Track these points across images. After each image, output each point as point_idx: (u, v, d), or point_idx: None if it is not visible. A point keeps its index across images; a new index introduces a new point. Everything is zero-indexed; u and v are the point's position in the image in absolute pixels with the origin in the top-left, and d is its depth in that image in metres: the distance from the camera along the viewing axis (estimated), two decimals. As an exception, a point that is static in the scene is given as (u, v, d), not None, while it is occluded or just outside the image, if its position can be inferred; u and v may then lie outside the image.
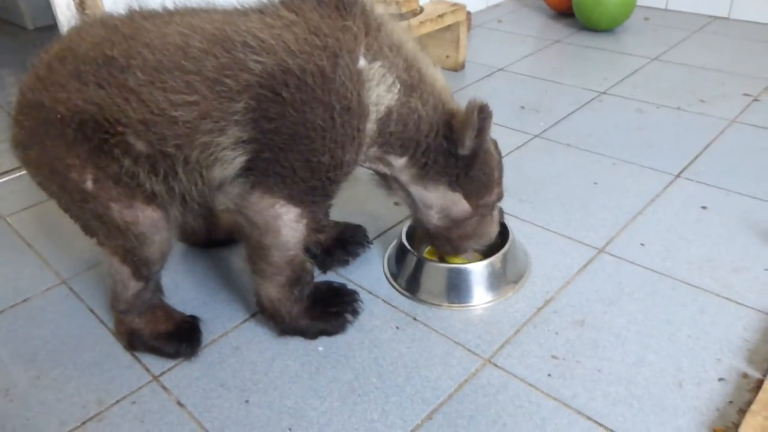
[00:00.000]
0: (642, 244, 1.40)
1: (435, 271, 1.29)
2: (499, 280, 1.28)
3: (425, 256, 1.33)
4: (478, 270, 1.27)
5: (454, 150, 1.09)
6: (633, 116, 2.00)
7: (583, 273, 1.33)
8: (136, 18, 1.04)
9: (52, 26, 3.47)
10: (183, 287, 1.38)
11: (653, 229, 1.45)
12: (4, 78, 2.87)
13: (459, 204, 1.16)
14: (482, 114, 1.03)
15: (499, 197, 1.20)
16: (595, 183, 1.65)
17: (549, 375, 1.09)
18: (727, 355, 1.11)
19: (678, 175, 1.65)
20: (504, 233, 1.33)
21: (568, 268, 1.34)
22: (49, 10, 3.39)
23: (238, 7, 1.08)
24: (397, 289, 1.32)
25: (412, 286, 1.31)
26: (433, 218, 1.20)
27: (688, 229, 1.44)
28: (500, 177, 1.19)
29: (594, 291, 1.27)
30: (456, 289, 1.27)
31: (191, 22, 1.01)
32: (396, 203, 1.23)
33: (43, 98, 1.00)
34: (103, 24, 1.03)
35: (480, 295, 1.26)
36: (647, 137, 1.86)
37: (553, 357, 1.13)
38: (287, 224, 1.08)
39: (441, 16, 2.30)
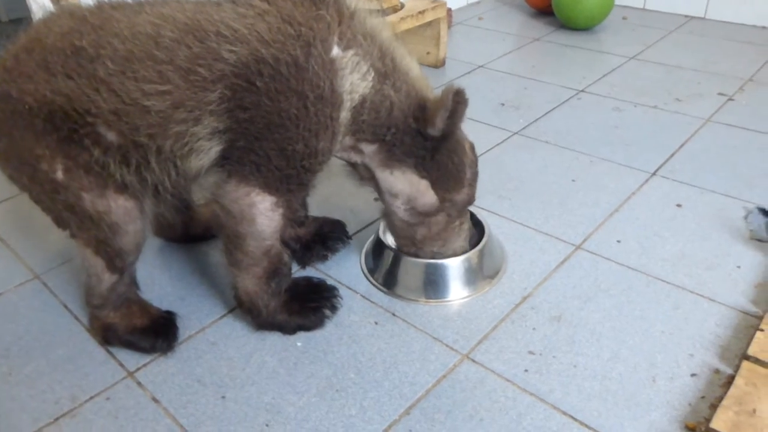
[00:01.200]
0: (618, 241, 1.41)
1: (412, 267, 1.29)
2: (475, 276, 1.29)
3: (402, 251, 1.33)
4: (454, 265, 1.27)
5: (423, 129, 1.08)
6: (610, 114, 2.02)
7: (561, 269, 1.34)
8: (105, 8, 1.02)
9: (27, 18, 3.42)
10: (159, 282, 1.37)
11: (629, 226, 1.47)
12: (-24, 69, 2.82)
13: (425, 194, 1.15)
14: (457, 97, 1.03)
15: (470, 200, 1.20)
16: (573, 180, 1.66)
17: (526, 370, 1.10)
18: (699, 351, 1.13)
19: (654, 173, 1.67)
20: (480, 229, 1.34)
21: (546, 265, 1.35)
22: (23, 3, 3.34)
23: None
24: (374, 285, 1.32)
25: (389, 281, 1.31)
26: (399, 209, 1.19)
27: (663, 226, 1.46)
28: (473, 179, 1.19)
29: (571, 287, 1.29)
30: (433, 284, 1.27)
31: (162, 12, 1.00)
32: (376, 199, 1.23)
33: (10, 89, 0.99)
34: (71, 15, 1.02)
35: (457, 291, 1.27)
36: (624, 135, 1.88)
37: (530, 352, 1.14)
38: (262, 213, 1.08)
39: (421, 12, 2.29)
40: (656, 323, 1.19)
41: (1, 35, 3.30)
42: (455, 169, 1.14)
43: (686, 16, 2.92)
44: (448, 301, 1.26)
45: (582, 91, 2.20)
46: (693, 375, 1.08)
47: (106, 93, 0.96)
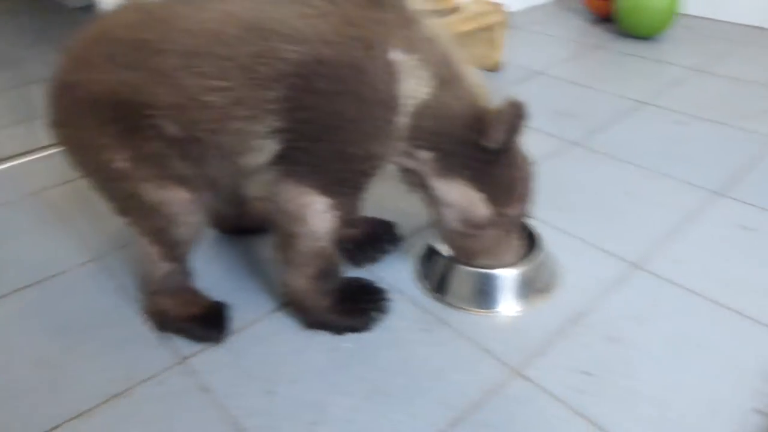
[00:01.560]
0: (678, 261, 1.37)
1: (463, 275, 1.27)
2: (528, 289, 1.26)
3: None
4: (507, 276, 1.25)
5: (481, 141, 1.06)
6: (672, 128, 1.96)
7: (617, 287, 1.31)
8: (172, 3, 1.04)
9: (92, 6, 3.51)
10: (213, 273, 1.39)
11: (690, 246, 1.42)
12: (45, 54, 2.90)
13: (479, 206, 1.13)
14: (517, 110, 1.01)
15: (524, 214, 1.18)
16: (632, 195, 1.62)
17: (579, 391, 1.08)
18: (764, 386, 1.08)
19: (717, 192, 1.62)
20: (535, 241, 1.32)
21: (602, 281, 1.32)
22: (91, -13, 3.42)
23: None
24: (425, 290, 1.31)
25: (439, 287, 1.30)
26: (452, 220, 1.17)
27: (726, 249, 1.41)
28: (528, 193, 1.16)
29: (627, 307, 1.25)
30: (483, 294, 1.25)
31: (227, 9, 1.01)
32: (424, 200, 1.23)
33: (78, 79, 1.01)
34: (139, 8, 1.04)
35: (507, 303, 1.25)
36: (686, 151, 1.82)
37: (584, 372, 1.11)
38: (316, 213, 1.08)
39: (480, 15, 2.27)
40: (719, 352, 1.15)
41: (68, 22, 3.40)
42: (511, 182, 1.12)
43: (756, 28, 2.82)
44: (498, 312, 1.25)
45: (642, 102, 2.15)
46: (757, 412, 1.04)
47: (168, 87, 0.98)
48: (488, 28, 2.36)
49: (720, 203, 1.58)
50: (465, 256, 1.24)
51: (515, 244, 1.25)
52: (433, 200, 1.18)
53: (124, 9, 1.06)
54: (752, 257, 1.38)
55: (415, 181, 1.18)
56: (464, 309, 1.26)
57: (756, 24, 2.83)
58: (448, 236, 1.22)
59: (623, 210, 1.56)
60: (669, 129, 1.96)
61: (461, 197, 1.13)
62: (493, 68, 2.44)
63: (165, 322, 1.21)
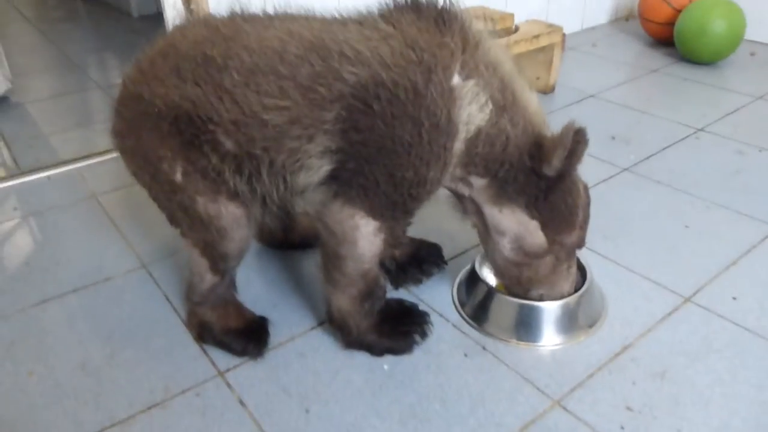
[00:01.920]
0: (734, 298, 1.31)
1: (505, 305, 1.24)
2: (571, 323, 1.22)
3: (496, 288, 1.28)
4: (550, 309, 1.21)
5: (538, 168, 1.04)
6: (732, 158, 1.89)
7: (667, 321, 1.26)
8: (237, 20, 1.06)
9: (156, 15, 3.63)
10: (255, 286, 1.40)
11: (748, 282, 1.36)
12: (107, 61, 3.01)
13: (534, 234, 1.10)
14: (577, 136, 0.98)
15: (580, 243, 1.14)
16: (686, 226, 1.56)
17: (622, 427, 1.04)
18: (821, 433, 1.02)
19: (778, 228, 1.55)
20: (582, 273, 1.28)
21: (651, 315, 1.28)
22: (152, 0, 3.56)
23: (337, 16, 1.08)
24: (463, 317, 1.28)
25: (479, 316, 1.26)
26: (505, 248, 1.14)
27: (786, 287, 1.35)
28: (585, 221, 1.13)
29: (677, 342, 1.20)
30: (525, 326, 1.22)
31: (290, 28, 1.02)
32: (474, 225, 1.20)
33: (143, 91, 1.04)
34: (206, 24, 1.06)
35: (550, 336, 1.21)
36: (746, 182, 1.75)
37: (628, 408, 1.07)
38: (365, 236, 1.07)
39: (536, 36, 2.25)
40: (773, 396, 1.09)
41: (132, 30, 3.52)
42: (568, 210, 1.09)
43: (824, 58, 2.70)
44: (540, 345, 1.21)
45: (701, 130, 2.08)
46: (813, 461, 0.98)
47: (228, 103, 0.99)
48: (544, 50, 2.34)
49: (781, 239, 1.51)
50: (519, 286, 1.20)
51: (572, 273, 1.21)
52: (486, 228, 1.15)
53: (193, 24, 1.09)
54: (814, 298, 1.31)
55: (469, 208, 1.16)
56: (503, 340, 1.22)
57: (825, 52, 2.72)
58: (502, 266, 1.19)
59: (676, 241, 1.51)
60: (728, 158, 1.89)
61: (516, 224, 1.11)
62: (545, 90, 2.40)
63: (206, 333, 1.23)
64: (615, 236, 1.53)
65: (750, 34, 2.81)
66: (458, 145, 1.02)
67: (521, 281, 1.19)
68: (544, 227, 1.09)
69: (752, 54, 2.76)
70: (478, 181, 1.09)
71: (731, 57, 2.67)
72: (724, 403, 1.08)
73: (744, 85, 2.44)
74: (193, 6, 1.87)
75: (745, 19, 2.53)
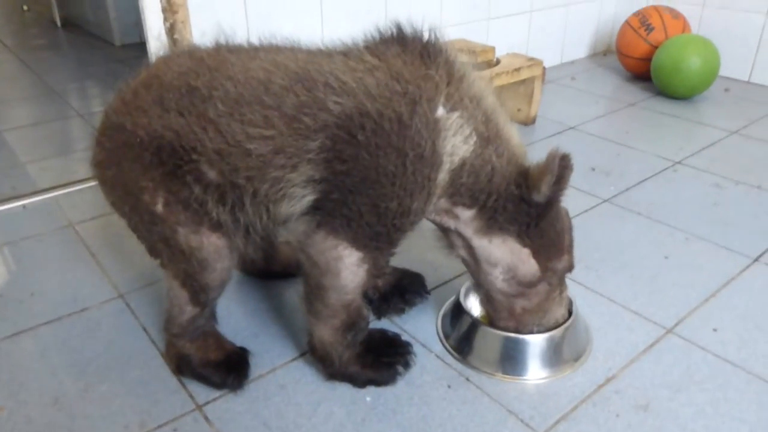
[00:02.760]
0: (714, 329, 1.32)
1: (490, 337, 1.22)
2: (557, 357, 1.21)
3: (481, 320, 1.27)
4: (536, 342, 1.20)
5: (527, 196, 1.04)
6: (709, 190, 1.92)
7: (649, 353, 1.26)
8: (222, 51, 1.06)
9: (138, 44, 3.64)
10: (235, 316, 1.37)
11: (727, 314, 1.37)
12: (88, 89, 3.00)
13: (527, 262, 1.10)
14: (563, 162, 0.99)
15: (570, 267, 1.15)
16: (666, 257, 1.58)
17: (607, 461, 1.03)
18: (805, 466, 1.02)
19: (756, 259, 1.57)
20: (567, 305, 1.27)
21: (633, 346, 1.28)
22: (136, 29, 3.59)
23: (323, 48, 1.09)
24: (448, 350, 1.27)
25: (464, 348, 1.25)
26: (497, 280, 1.14)
27: (765, 318, 1.35)
28: (571, 245, 1.14)
29: (660, 374, 1.20)
30: (511, 359, 1.20)
31: (275, 59, 1.02)
32: (464, 260, 1.20)
33: (125, 121, 1.03)
34: (190, 55, 1.07)
35: (535, 370, 1.20)
36: (724, 214, 1.78)
37: (613, 441, 1.06)
38: (348, 267, 1.06)
39: (517, 69, 2.29)
40: (757, 428, 1.08)
41: (114, 58, 3.52)
42: (556, 235, 1.10)
43: (795, 94, 2.78)
44: (525, 379, 1.19)
45: (679, 162, 2.12)
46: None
47: (212, 133, 0.99)
48: (525, 82, 2.38)
49: (759, 270, 1.52)
50: (513, 319, 1.19)
51: (564, 298, 1.21)
52: (476, 261, 1.15)
53: (177, 55, 1.09)
54: (793, 329, 1.33)
55: (456, 242, 1.16)
56: (487, 373, 1.21)
57: (795, 88, 2.80)
58: (496, 299, 1.18)
59: (657, 272, 1.52)
60: (706, 191, 1.92)
61: (507, 254, 1.10)
62: (526, 122, 2.44)
63: (184, 366, 1.20)
64: (597, 266, 1.54)
65: (724, 70, 2.89)
66: (442, 176, 1.02)
67: (515, 313, 1.17)
68: (536, 254, 1.10)
69: (726, 90, 2.83)
70: (465, 213, 1.09)
71: (706, 92, 2.74)
72: (708, 435, 1.08)
73: (719, 120, 2.49)
74: (176, 36, 1.87)
75: (719, 56, 2.60)
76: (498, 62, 2.35)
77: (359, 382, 1.18)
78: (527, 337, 1.20)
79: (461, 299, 1.31)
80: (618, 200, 1.86)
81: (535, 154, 1.04)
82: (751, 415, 1.11)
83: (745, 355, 1.25)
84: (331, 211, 1.03)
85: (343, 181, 0.99)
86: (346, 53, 1.05)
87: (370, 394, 1.16)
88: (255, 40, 1.12)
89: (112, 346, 1.28)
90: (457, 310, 1.30)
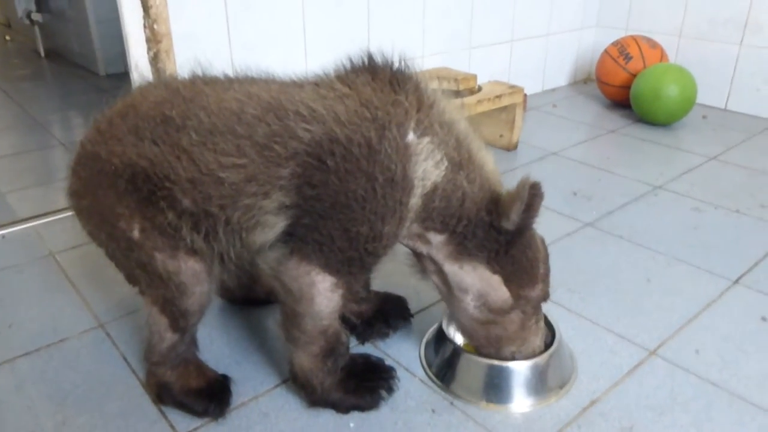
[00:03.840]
0: (697, 351, 1.32)
1: (474, 365, 1.21)
2: (542, 384, 1.19)
3: (464, 347, 1.25)
4: (520, 370, 1.19)
5: (497, 223, 1.05)
6: (689, 214, 1.95)
7: (633, 375, 1.26)
8: (198, 82, 1.08)
9: (123, 74, 3.66)
10: (217, 344, 1.36)
11: (709, 336, 1.38)
12: (71, 119, 3.00)
13: (498, 290, 1.10)
14: (533, 190, 0.99)
15: (544, 296, 1.14)
16: (648, 280, 1.59)
17: (592, 485, 1.02)
18: (790, 487, 1.02)
19: (736, 281, 1.58)
20: (551, 332, 1.27)
21: (617, 368, 1.28)
22: (120, 59, 3.60)
23: (296, 78, 1.10)
24: (431, 378, 1.25)
25: (447, 376, 1.23)
26: (470, 306, 1.13)
27: (746, 340, 1.36)
28: (546, 274, 1.14)
29: (644, 396, 1.20)
30: (495, 387, 1.18)
31: (249, 90, 1.04)
32: (436, 286, 1.19)
33: (100, 150, 1.04)
34: (166, 86, 1.08)
35: (520, 398, 1.18)
36: (704, 238, 1.80)
37: (598, 465, 1.06)
38: (322, 293, 1.06)
39: (498, 96, 2.32)
40: (740, 449, 1.09)
41: (98, 88, 3.52)
42: (529, 264, 1.09)
43: (771, 120, 2.84)
44: (509, 408, 1.18)
45: (659, 187, 2.15)
46: None
47: (186, 162, 1.00)
48: (506, 109, 2.41)
49: (739, 293, 1.54)
50: (489, 346, 1.18)
51: (541, 327, 1.19)
52: (448, 287, 1.14)
53: (153, 86, 1.10)
54: (775, 350, 1.33)
55: (428, 267, 1.16)
56: (471, 402, 1.19)
57: (770, 114, 2.87)
58: (468, 326, 1.17)
59: (639, 295, 1.53)
60: (686, 215, 1.94)
61: (479, 280, 1.10)
62: (508, 147, 2.46)
63: (165, 394, 1.18)
64: (579, 289, 1.54)
65: (701, 98, 2.96)
66: (414, 200, 1.02)
67: (491, 341, 1.17)
68: (508, 282, 1.09)
69: (704, 117, 2.88)
70: (436, 238, 1.09)
71: (685, 119, 2.79)
72: (693, 457, 1.07)
73: (698, 146, 2.54)
74: (160, 65, 1.88)
75: (696, 85, 2.66)
76: (480, 89, 2.38)
77: (342, 408, 1.16)
78: (511, 365, 1.18)
79: (444, 327, 1.29)
80: (600, 224, 1.88)
81: (517, 180, 1.05)
82: (734, 436, 1.11)
83: (727, 376, 1.26)
84: (303, 236, 1.03)
85: (314, 206, 1.00)
86: (318, 83, 1.07)
87: (353, 419, 1.15)
88: (239, 71, 1.13)
89: (91, 377, 1.26)
90: (440, 338, 1.29)
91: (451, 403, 1.19)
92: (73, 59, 4.11)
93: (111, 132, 1.04)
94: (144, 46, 1.88)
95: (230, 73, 1.13)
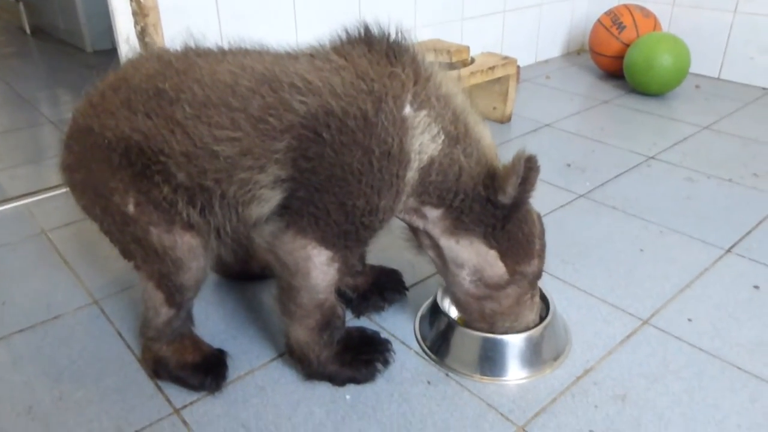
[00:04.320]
0: (689, 320, 1.34)
1: (468, 339, 1.21)
2: (536, 356, 1.20)
3: (458, 321, 1.25)
4: (515, 343, 1.19)
5: (493, 197, 1.04)
6: (682, 184, 1.95)
7: (626, 344, 1.27)
8: (191, 55, 1.06)
9: (110, 50, 3.60)
10: (213, 319, 1.36)
11: (701, 304, 1.39)
12: (59, 96, 2.96)
13: (494, 265, 1.09)
14: (529, 163, 0.99)
15: (540, 272, 1.14)
16: (641, 250, 1.59)
17: (586, 451, 1.03)
18: (779, 450, 1.04)
19: (728, 250, 1.59)
20: (545, 303, 1.27)
21: (611, 338, 1.29)
22: (107, 35, 3.54)
23: (291, 50, 1.08)
24: (425, 351, 1.25)
25: (442, 350, 1.24)
26: (465, 281, 1.13)
27: (738, 308, 1.38)
28: (542, 250, 1.13)
29: (637, 365, 1.21)
30: (489, 360, 1.19)
31: (242, 62, 1.02)
32: (432, 260, 1.19)
33: (93, 124, 1.03)
34: (159, 58, 1.06)
35: (515, 371, 1.19)
36: (697, 207, 1.80)
37: (591, 432, 1.07)
38: (317, 267, 1.06)
39: (491, 68, 2.30)
40: (731, 415, 1.10)
41: (85, 65, 3.47)
42: (525, 239, 1.09)
43: (763, 89, 2.83)
44: (504, 380, 1.18)
45: (652, 158, 2.14)
46: (773, 477, 0.99)
47: (180, 135, 0.98)
48: (500, 81, 2.39)
49: (731, 261, 1.55)
50: (483, 321, 1.18)
51: (536, 303, 1.20)
52: (444, 262, 1.14)
53: (145, 59, 1.08)
54: (765, 317, 1.35)
55: (424, 242, 1.16)
56: (466, 375, 1.19)
57: (764, 85, 2.85)
58: (463, 300, 1.17)
59: (632, 265, 1.53)
60: (678, 185, 1.95)
61: (475, 255, 1.09)
62: (502, 120, 2.45)
63: (161, 369, 1.18)
64: (573, 260, 1.55)
65: (694, 67, 2.94)
66: (411, 174, 1.02)
67: (485, 315, 1.17)
68: (504, 257, 1.09)
69: (697, 87, 2.87)
70: (433, 212, 1.08)
71: (678, 89, 2.78)
72: (683, 423, 1.09)
73: (691, 115, 2.53)
74: (147, 39, 1.85)
75: (689, 54, 2.64)
76: (473, 61, 2.36)
77: (338, 381, 1.17)
78: (506, 338, 1.19)
79: (438, 300, 1.30)
80: (593, 195, 1.88)
81: (511, 152, 1.04)
82: (725, 402, 1.13)
83: (719, 344, 1.27)
84: (299, 210, 1.02)
85: (309, 180, 0.99)
86: (313, 54, 1.05)
87: (349, 392, 1.16)
88: (227, 44, 1.11)
89: (87, 353, 1.26)
90: (435, 312, 1.30)
91: (447, 375, 1.20)
92: (60, 36, 4.05)
93: (103, 105, 1.03)
94: (131, 21, 1.85)
95: (223, 46, 1.11)
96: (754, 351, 1.25)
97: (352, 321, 1.34)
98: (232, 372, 1.20)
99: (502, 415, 1.11)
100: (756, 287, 1.45)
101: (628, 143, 2.26)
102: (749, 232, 1.67)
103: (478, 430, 1.07)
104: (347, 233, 1.04)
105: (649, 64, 2.62)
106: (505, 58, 2.38)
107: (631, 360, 1.23)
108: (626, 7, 2.88)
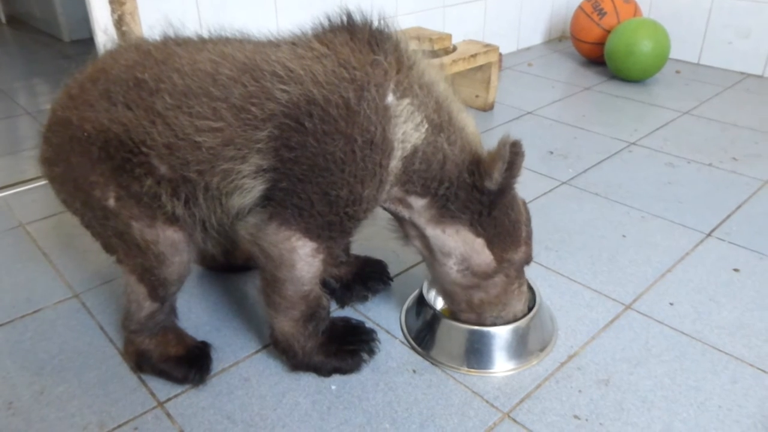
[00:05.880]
0: (671, 304, 1.35)
1: (454, 331, 1.21)
2: (522, 347, 1.20)
3: (443, 313, 1.24)
4: (501, 335, 1.19)
5: (479, 184, 1.03)
6: (663, 169, 1.96)
7: (609, 329, 1.28)
8: (170, 44, 1.04)
9: (87, 40, 3.54)
10: (196, 311, 1.35)
11: (683, 288, 1.40)
12: (36, 87, 2.90)
13: (481, 253, 1.09)
14: (514, 148, 0.98)
15: (528, 259, 1.14)
16: (624, 236, 1.61)
17: (570, 436, 1.04)
18: (760, 431, 1.05)
19: (709, 234, 1.61)
20: (531, 294, 1.27)
21: (594, 323, 1.30)
22: (84, 24, 3.49)
23: (271, 38, 1.07)
24: (411, 344, 1.25)
25: (428, 343, 1.23)
26: (452, 270, 1.12)
27: (719, 291, 1.39)
28: (529, 237, 1.13)
29: (620, 349, 1.23)
30: (476, 353, 1.18)
31: (223, 51, 1.01)
32: (419, 251, 1.19)
33: (71, 116, 1.01)
34: (137, 48, 1.04)
35: (501, 362, 1.19)
36: (677, 192, 1.82)
37: (575, 417, 1.08)
38: (302, 258, 1.05)
39: (473, 56, 2.29)
40: (712, 396, 1.12)
41: (62, 55, 3.41)
42: (512, 226, 1.09)
43: (742, 74, 2.86)
44: (491, 372, 1.18)
45: (633, 143, 2.16)
46: (753, 457, 1.01)
47: (161, 126, 0.97)
48: (482, 69, 2.39)
49: (712, 245, 1.56)
50: (471, 311, 1.18)
51: (524, 291, 1.19)
52: (430, 252, 1.13)
53: (124, 49, 1.06)
54: (745, 300, 1.36)
55: (411, 233, 1.15)
56: (452, 368, 1.19)
57: (742, 70, 2.88)
58: (451, 291, 1.16)
59: (615, 250, 1.54)
60: (660, 170, 1.96)
61: (462, 244, 1.09)
62: (484, 108, 2.45)
63: (144, 362, 1.17)
64: (556, 247, 1.56)
65: (674, 53, 2.96)
66: (394, 163, 1.01)
67: (473, 305, 1.16)
68: (491, 245, 1.08)
69: (677, 72, 2.89)
70: (418, 202, 1.08)
71: (658, 75, 2.80)
72: (666, 406, 1.10)
73: (671, 101, 2.55)
74: (125, 28, 1.82)
75: (669, 40, 2.66)
76: (455, 49, 2.35)
77: (324, 371, 1.17)
78: (492, 330, 1.19)
79: (424, 292, 1.29)
80: (576, 182, 1.89)
81: (494, 140, 1.04)
82: (706, 384, 1.14)
83: (700, 327, 1.28)
84: (282, 201, 1.01)
85: (292, 169, 0.98)
86: (295, 42, 1.03)
87: (335, 382, 1.16)
88: (207, 32, 1.09)
89: (68, 347, 1.25)
90: (420, 304, 1.29)
91: (432, 363, 1.20)
92: (36, 25, 3.98)
93: (82, 97, 1.01)
94: (108, 9, 1.82)
95: (202, 34, 1.09)
96: (735, 333, 1.27)
97: (336, 311, 1.34)
98: (217, 364, 1.19)
99: (487, 402, 1.11)
100: (736, 270, 1.46)
101: (609, 129, 2.27)
102: (729, 216, 1.69)
103: (463, 418, 1.08)
104: (331, 224, 1.03)
105: (629, 50, 2.63)
106: (487, 45, 2.37)
107: (614, 345, 1.24)
108: (607, -7, 2.89)
